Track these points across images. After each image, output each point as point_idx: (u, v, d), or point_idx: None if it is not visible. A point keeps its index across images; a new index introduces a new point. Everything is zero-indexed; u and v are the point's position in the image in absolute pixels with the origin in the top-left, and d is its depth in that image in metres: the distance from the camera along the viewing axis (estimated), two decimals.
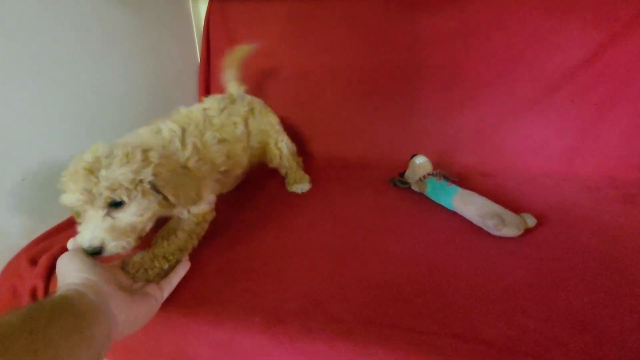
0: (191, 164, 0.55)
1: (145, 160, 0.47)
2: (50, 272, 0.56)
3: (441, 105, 0.97)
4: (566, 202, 0.75)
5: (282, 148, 0.83)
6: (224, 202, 0.77)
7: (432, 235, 0.65)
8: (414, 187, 0.80)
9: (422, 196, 0.79)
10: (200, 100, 1.15)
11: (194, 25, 1.13)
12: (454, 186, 0.73)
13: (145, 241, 0.54)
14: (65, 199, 0.45)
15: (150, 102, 0.95)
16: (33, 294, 0.55)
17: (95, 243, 0.43)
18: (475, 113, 0.95)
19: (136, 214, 0.46)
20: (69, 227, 0.68)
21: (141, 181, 0.46)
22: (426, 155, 0.83)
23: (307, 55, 1.06)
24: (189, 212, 0.57)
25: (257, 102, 0.83)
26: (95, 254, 0.44)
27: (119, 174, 0.44)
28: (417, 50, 0.96)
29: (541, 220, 0.66)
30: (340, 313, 0.47)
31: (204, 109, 0.68)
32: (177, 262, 0.53)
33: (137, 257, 0.51)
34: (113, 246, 0.44)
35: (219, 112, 0.69)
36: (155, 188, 0.47)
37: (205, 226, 0.61)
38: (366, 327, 0.45)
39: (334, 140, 1.07)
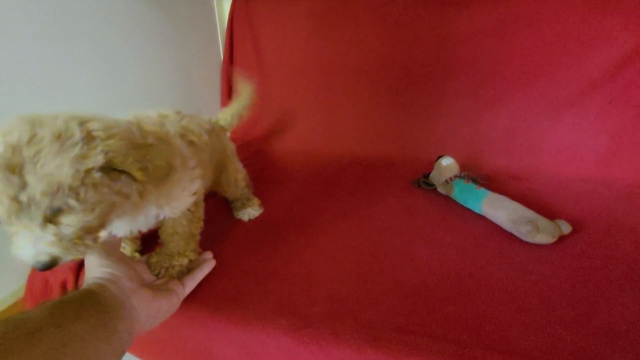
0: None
1: (88, 137, 0.32)
2: (80, 265, 0.57)
3: (470, 105, 0.94)
4: (603, 209, 0.71)
5: (238, 179, 0.72)
6: None
7: (460, 240, 0.63)
8: (440, 190, 0.78)
9: (448, 199, 0.76)
10: (222, 101, 1.17)
11: (217, 22, 1.14)
12: (482, 189, 0.71)
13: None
14: None
15: (173, 99, 0.96)
16: (63, 287, 0.57)
17: (43, 258, 0.33)
18: (506, 113, 0.91)
19: (86, 211, 0.33)
20: None
21: (89, 171, 0.32)
22: (453, 156, 0.80)
23: (332, 52, 1.05)
24: (174, 212, 0.49)
25: (218, 125, 0.74)
26: (48, 268, 0.33)
27: (53, 168, 0.30)
28: (446, 47, 0.93)
29: (576, 227, 0.63)
30: (369, 318, 0.46)
31: (160, 114, 0.53)
32: (195, 252, 0.53)
33: (153, 259, 0.50)
34: (70, 256, 0.34)
35: (179, 118, 0.57)
36: (111, 168, 0.34)
37: (202, 205, 0.55)
38: (395, 334, 0.43)
39: (357, 139, 1.05)
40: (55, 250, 0.32)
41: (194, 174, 0.50)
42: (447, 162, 0.78)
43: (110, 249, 0.44)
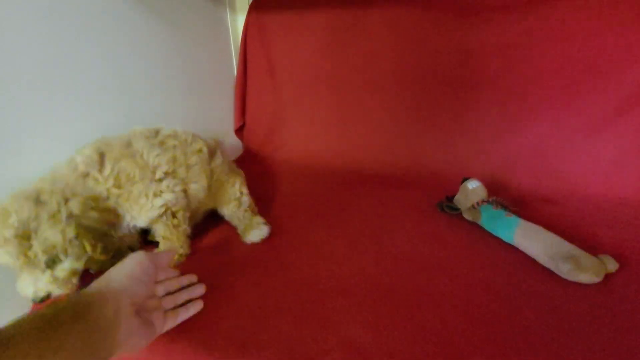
0: (112, 187, 0.54)
1: (70, 216, 0.48)
2: None
3: (496, 122, 0.88)
4: None
5: (244, 193, 0.73)
6: None
7: (489, 276, 0.57)
8: (466, 215, 0.72)
9: (474, 225, 0.70)
10: (235, 117, 1.15)
11: (231, 38, 1.12)
12: (514, 217, 0.65)
13: None
14: None
15: (185, 116, 0.94)
16: None
17: (41, 294, 0.48)
18: (536, 130, 0.84)
19: (74, 263, 0.49)
20: None
21: (70, 240, 0.48)
22: (477, 176, 0.74)
23: (347, 67, 1.01)
24: (144, 220, 0.58)
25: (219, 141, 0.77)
26: (43, 301, 0.48)
27: (50, 235, 0.46)
28: (468, 61, 0.87)
29: (621, 261, 0.55)
30: None
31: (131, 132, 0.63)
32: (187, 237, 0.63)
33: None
34: (60, 292, 0.49)
35: (153, 134, 0.65)
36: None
37: (183, 218, 0.63)
38: None
39: (373, 158, 1.00)
40: (51, 288, 0.48)
41: (160, 186, 0.58)
42: (474, 186, 0.72)
43: (153, 268, 0.44)
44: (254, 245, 0.68)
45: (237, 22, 1.12)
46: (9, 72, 0.54)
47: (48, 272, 0.47)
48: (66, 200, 0.49)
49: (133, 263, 0.42)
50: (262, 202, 0.81)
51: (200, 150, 0.67)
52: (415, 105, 0.95)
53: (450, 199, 0.78)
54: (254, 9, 1.07)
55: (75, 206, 0.49)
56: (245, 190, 0.74)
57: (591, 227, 0.68)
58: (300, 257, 0.63)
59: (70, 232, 0.48)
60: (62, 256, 0.47)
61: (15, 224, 0.45)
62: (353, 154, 1.03)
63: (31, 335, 0.30)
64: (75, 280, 0.51)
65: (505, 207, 0.69)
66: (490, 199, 0.70)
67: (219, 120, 1.12)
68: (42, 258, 0.46)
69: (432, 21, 0.89)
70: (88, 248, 0.49)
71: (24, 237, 0.45)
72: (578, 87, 0.80)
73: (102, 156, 0.55)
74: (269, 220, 0.72)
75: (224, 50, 1.11)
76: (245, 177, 0.79)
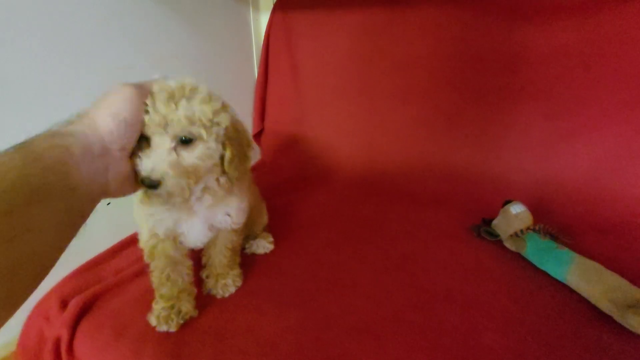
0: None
1: (225, 109, 0.44)
2: (78, 319, 0.50)
3: (543, 137, 0.78)
4: None
5: (263, 217, 0.69)
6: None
7: (541, 321, 0.49)
8: (507, 244, 0.64)
9: (516, 255, 0.62)
10: (254, 122, 1.09)
11: (253, 37, 1.07)
12: (567, 251, 0.56)
13: None
14: None
15: None
16: (56, 344, 0.49)
17: (156, 175, 0.39)
18: (589, 149, 0.75)
19: (201, 157, 0.42)
20: (106, 260, 0.63)
21: (217, 124, 0.43)
22: (520, 198, 0.66)
23: (377, 72, 0.94)
24: (234, 222, 0.52)
25: None
26: (151, 187, 0.39)
27: (198, 108, 0.41)
28: (517, 70, 0.78)
29: None
30: None
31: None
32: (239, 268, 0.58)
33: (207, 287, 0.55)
34: (173, 183, 0.39)
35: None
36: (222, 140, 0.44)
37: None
38: None
39: (403, 172, 0.93)
40: (168, 171, 0.39)
41: (246, 195, 0.54)
42: (518, 210, 0.63)
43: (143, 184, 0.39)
44: (268, 273, 0.61)
45: (260, 21, 1.07)
46: (35, 76, 0.53)
47: (174, 154, 0.40)
48: (224, 103, 0.45)
49: (120, 100, 0.35)
50: (278, 216, 0.76)
51: None
52: (452, 116, 0.87)
53: (488, 222, 0.69)
54: (279, 7, 1.02)
55: (231, 111, 0.46)
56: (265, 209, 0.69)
57: None
58: (318, 288, 0.56)
59: (223, 120, 0.43)
60: (203, 133, 0.41)
61: (174, 85, 0.40)
62: (381, 167, 0.95)
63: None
64: (193, 181, 0.42)
65: (555, 238, 0.60)
66: (536, 227, 0.62)
67: None
68: (181, 124, 0.39)
69: (477, 24, 0.81)
70: (228, 156, 0.44)
71: (174, 97, 0.39)
72: None
73: None
74: (284, 238, 0.66)
75: (245, 51, 1.06)
76: (262, 187, 0.72)
